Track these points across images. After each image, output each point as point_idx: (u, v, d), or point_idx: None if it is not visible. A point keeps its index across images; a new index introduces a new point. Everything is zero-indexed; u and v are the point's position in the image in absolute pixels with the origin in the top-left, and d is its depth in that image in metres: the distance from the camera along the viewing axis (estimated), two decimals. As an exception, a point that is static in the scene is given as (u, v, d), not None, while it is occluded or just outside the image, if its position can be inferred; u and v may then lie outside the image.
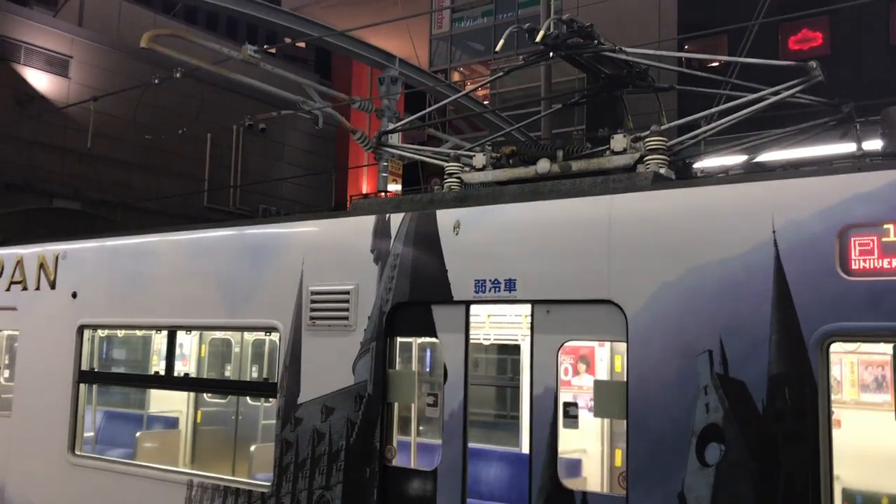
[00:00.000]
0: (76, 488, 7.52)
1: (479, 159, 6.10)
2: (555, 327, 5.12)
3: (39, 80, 24.23)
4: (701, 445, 4.48)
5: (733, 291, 4.50)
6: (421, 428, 7.44)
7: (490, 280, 5.32)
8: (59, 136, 23.74)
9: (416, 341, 5.80)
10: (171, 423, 9.00)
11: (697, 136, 5.71)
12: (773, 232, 4.43)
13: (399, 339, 5.80)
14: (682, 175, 5.67)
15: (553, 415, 5.05)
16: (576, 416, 5.16)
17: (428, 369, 7.06)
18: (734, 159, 6.48)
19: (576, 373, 6.94)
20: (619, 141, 5.46)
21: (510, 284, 5.25)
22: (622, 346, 4.89)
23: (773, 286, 4.38)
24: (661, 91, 6.66)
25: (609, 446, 7.17)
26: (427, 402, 5.67)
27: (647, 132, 5.43)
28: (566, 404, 5.16)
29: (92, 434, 8.21)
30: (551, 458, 5.02)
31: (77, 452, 7.68)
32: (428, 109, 8.08)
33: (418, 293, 5.66)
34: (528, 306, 5.23)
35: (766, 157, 6.32)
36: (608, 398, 5.11)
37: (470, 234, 5.52)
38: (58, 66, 24.75)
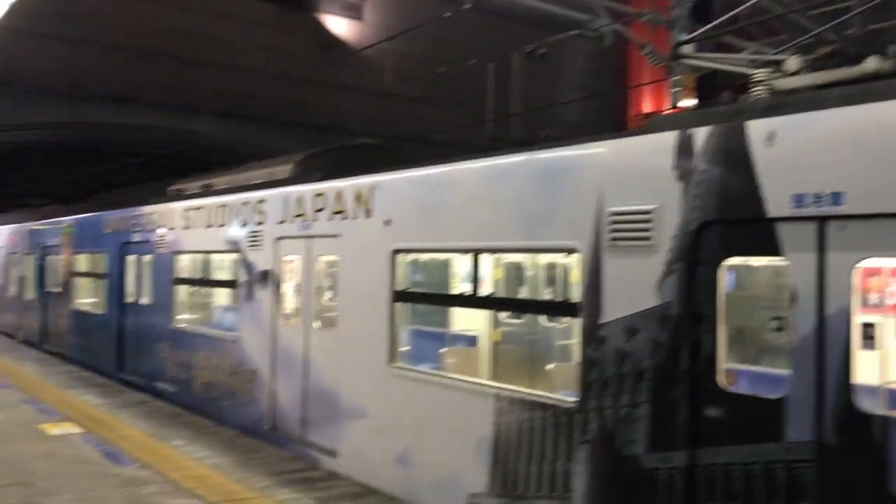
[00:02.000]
0: (397, 396, 8.30)
1: (793, 62, 5.60)
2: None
3: (337, 25, 26.23)
4: None
5: None
6: (749, 354, 7.11)
7: (812, 194, 4.90)
8: (357, 77, 25.61)
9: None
10: (471, 341, 9.55)
11: None
12: None
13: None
14: None
15: (846, 337, 4.67)
16: (872, 338, 4.70)
17: (731, 290, 6.73)
18: None
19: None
20: (970, 29, 4.73)
21: (836, 198, 4.80)
22: None
23: None
24: None
25: None
26: (771, 326, 5.39)
27: None
28: (864, 325, 4.74)
29: (407, 348, 8.96)
30: (845, 382, 4.65)
31: (395, 365, 8.44)
32: (734, 12, 7.47)
33: (727, 211, 5.39)
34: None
35: None
36: None
37: (787, 144, 5.10)
38: (352, 10, 26.60)
